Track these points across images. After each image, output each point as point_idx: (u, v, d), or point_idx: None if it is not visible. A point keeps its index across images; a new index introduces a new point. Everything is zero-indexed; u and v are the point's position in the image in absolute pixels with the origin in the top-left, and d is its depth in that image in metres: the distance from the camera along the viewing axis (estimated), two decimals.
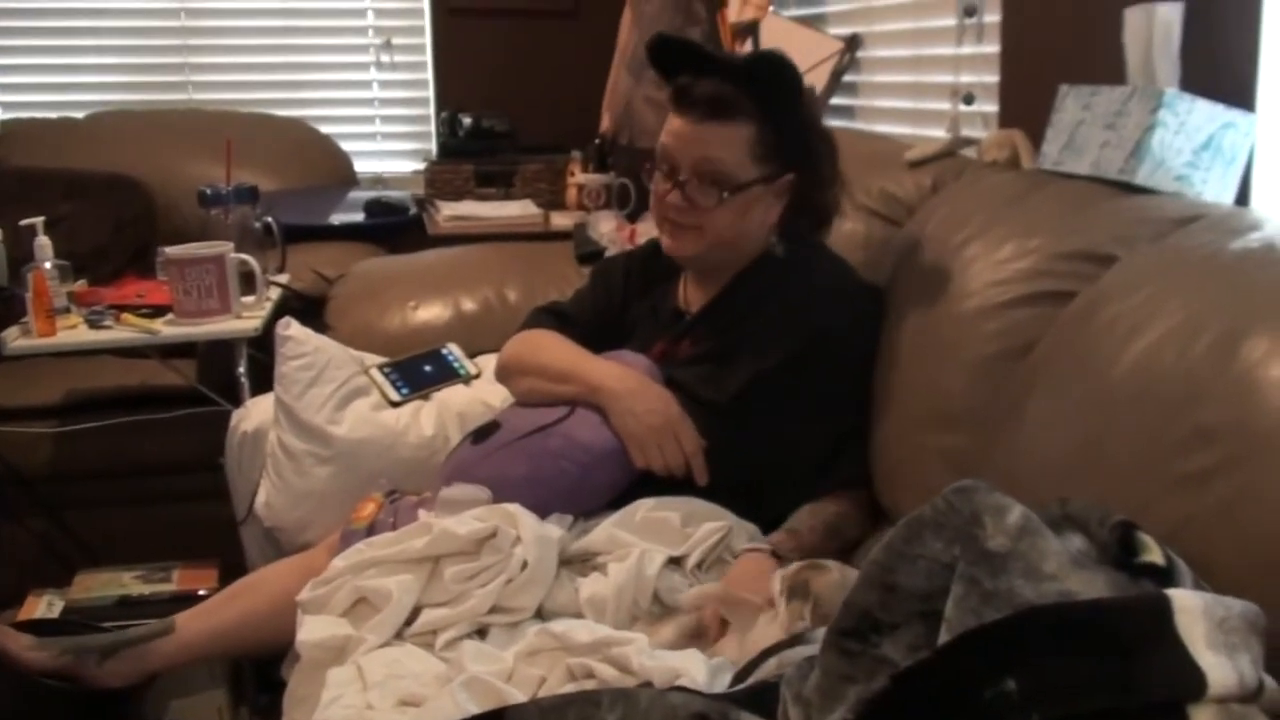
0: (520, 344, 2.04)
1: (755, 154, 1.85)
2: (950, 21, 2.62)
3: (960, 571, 0.96)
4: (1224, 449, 1.13)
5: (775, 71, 1.87)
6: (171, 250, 2.48)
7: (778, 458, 1.82)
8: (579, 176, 3.54)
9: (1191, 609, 0.92)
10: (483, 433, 1.89)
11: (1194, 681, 0.89)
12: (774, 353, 1.84)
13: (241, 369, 2.52)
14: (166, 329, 2.48)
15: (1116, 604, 0.95)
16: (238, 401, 2.47)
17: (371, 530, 1.86)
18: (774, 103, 1.85)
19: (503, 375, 2.05)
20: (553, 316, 2.08)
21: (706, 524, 1.70)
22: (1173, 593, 0.94)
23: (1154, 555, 1.01)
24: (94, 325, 2.50)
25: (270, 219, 2.80)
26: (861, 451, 1.84)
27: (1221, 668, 0.90)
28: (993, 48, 2.48)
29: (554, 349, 1.97)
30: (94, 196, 3.48)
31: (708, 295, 1.96)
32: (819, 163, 1.92)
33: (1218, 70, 1.83)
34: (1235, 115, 1.76)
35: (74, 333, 2.49)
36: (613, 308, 2.08)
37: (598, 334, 2.01)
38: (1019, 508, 0.99)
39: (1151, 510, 1.14)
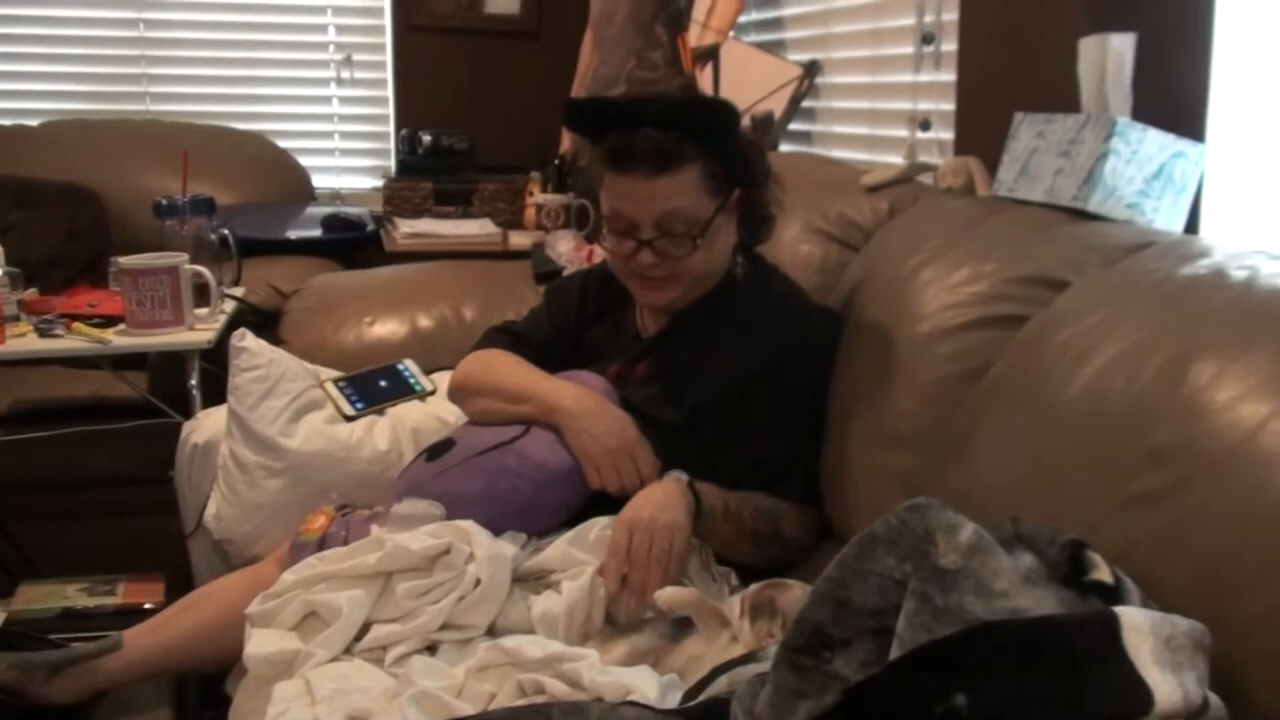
0: (474, 364, 2.03)
1: (708, 189, 1.84)
2: (908, 49, 2.65)
3: (912, 588, 0.97)
4: (1173, 470, 1.14)
5: (711, 109, 1.88)
6: (125, 260, 2.46)
7: (733, 478, 1.82)
8: (538, 196, 3.54)
9: (1139, 626, 0.94)
10: (437, 450, 1.88)
11: (1141, 698, 0.91)
12: (729, 373, 1.85)
13: (194, 381, 2.50)
14: (118, 339, 2.45)
15: (1065, 620, 0.96)
16: (189, 414, 2.45)
17: (322, 544, 1.85)
18: (714, 137, 1.84)
19: (457, 395, 2.04)
20: (507, 336, 2.07)
21: None
22: (1121, 610, 0.95)
23: (1103, 574, 1.03)
24: (44, 334, 2.47)
25: (226, 231, 2.78)
26: (814, 471, 1.85)
27: (1168, 685, 0.91)
28: (949, 76, 2.51)
29: (510, 369, 1.96)
30: (46, 205, 3.45)
31: (665, 318, 1.97)
32: (755, 170, 1.92)
33: (1169, 101, 1.86)
34: (1185, 145, 1.79)
35: (23, 341, 2.46)
36: (568, 328, 2.07)
37: (553, 354, 2.00)
38: (971, 525, 1.00)
39: (1102, 530, 1.15)
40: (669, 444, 1.81)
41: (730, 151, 1.87)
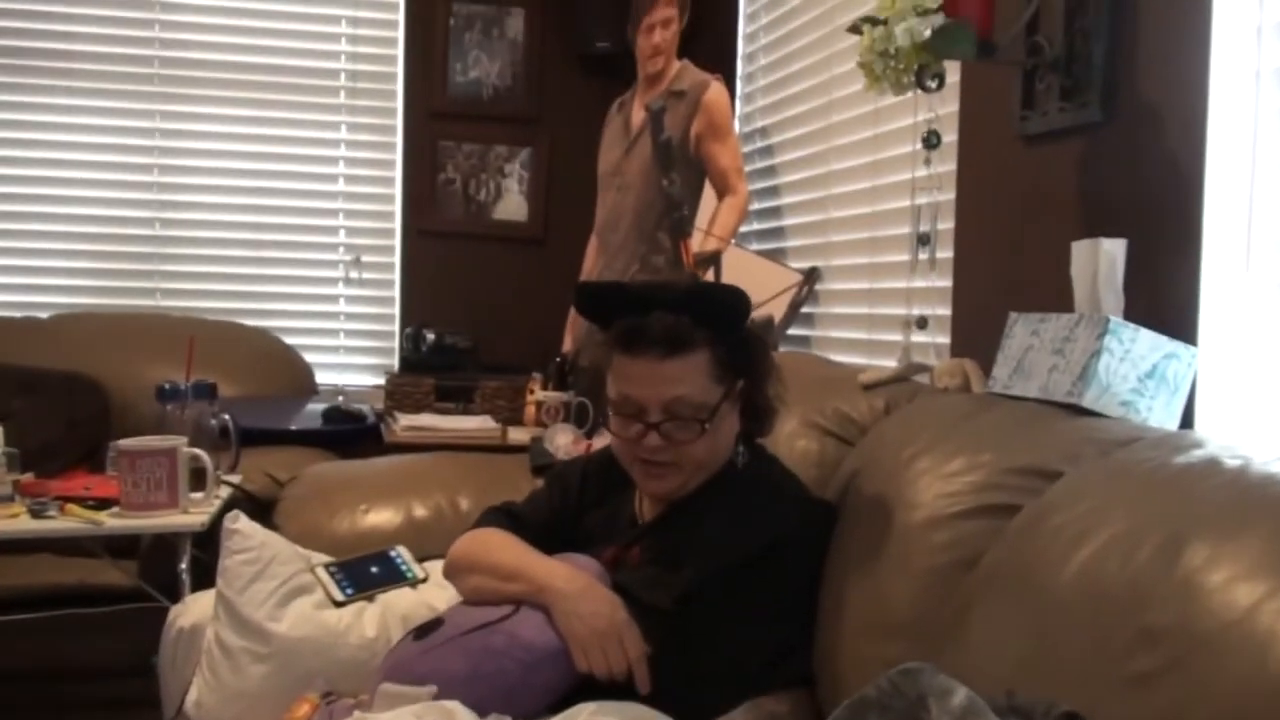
0: (470, 542, 2.01)
1: (714, 375, 1.86)
2: (904, 256, 2.71)
3: None
4: (1168, 651, 1.13)
5: (722, 295, 1.91)
6: (124, 441, 2.48)
7: (722, 664, 1.78)
8: (538, 394, 3.57)
9: None
10: (425, 629, 1.85)
11: None
12: (723, 560, 1.82)
13: (184, 565, 2.48)
14: (111, 521, 2.44)
15: None
16: (178, 600, 2.41)
17: None
18: (724, 324, 1.87)
19: (451, 572, 2.02)
20: (505, 516, 2.06)
21: None
22: None
23: None
24: (37, 515, 2.46)
25: (227, 417, 2.80)
26: (807, 656, 1.82)
27: None
28: (946, 282, 2.57)
29: (504, 547, 1.95)
30: (48, 394, 3.49)
31: (663, 504, 1.96)
32: (759, 362, 1.94)
33: (1160, 305, 1.90)
34: (1178, 347, 1.81)
35: (15, 521, 2.45)
36: (567, 511, 2.06)
37: (550, 537, 1.99)
38: (964, 690, 0.98)
39: (1099, 713, 1.13)
40: (661, 629, 1.78)
41: (737, 340, 1.89)
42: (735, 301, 1.88)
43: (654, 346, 1.83)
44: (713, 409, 1.85)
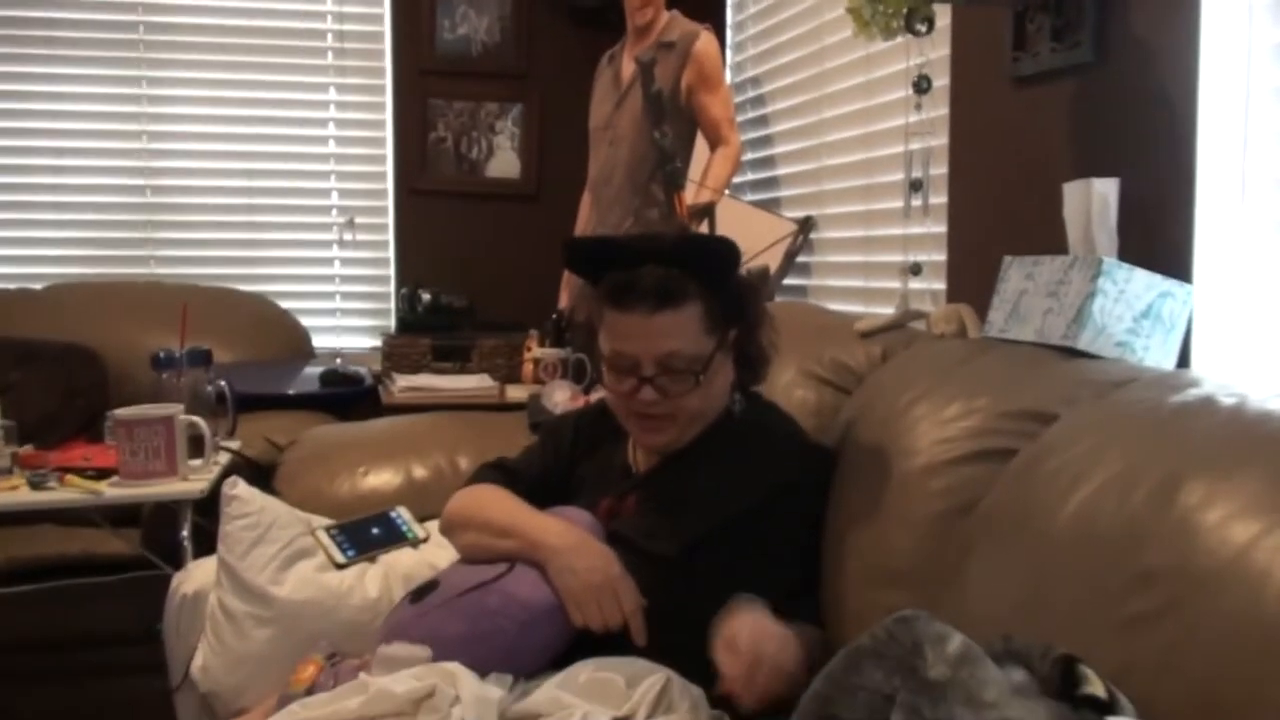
0: (465, 498, 2.01)
1: (706, 327, 1.85)
2: (899, 203, 2.70)
3: (900, 700, 0.94)
4: (1165, 591, 1.13)
5: (712, 246, 1.90)
6: (120, 411, 2.47)
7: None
8: (536, 351, 3.57)
9: None
10: (421, 592, 1.85)
11: None
12: (724, 507, 1.82)
13: (185, 532, 2.48)
14: (111, 490, 2.44)
15: None
16: (181, 567, 2.42)
17: (311, 694, 1.81)
18: (715, 275, 1.86)
19: (446, 529, 2.02)
20: (500, 472, 2.06)
21: (646, 679, 1.65)
22: None
23: (1096, 687, 1.00)
24: (36, 486, 2.45)
25: (223, 383, 2.80)
26: (813, 600, 1.82)
27: None
28: (940, 227, 2.55)
29: (497, 504, 1.94)
30: (46, 365, 3.48)
31: (658, 454, 1.95)
32: (751, 311, 1.93)
33: (1155, 244, 1.89)
34: (1173, 285, 1.80)
35: (15, 494, 2.45)
36: (561, 466, 2.06)
37: (545, 491, 1.98)
38: (959, 636, 0.98)
39: (1096, 655, 1.13)
40: (657, 577, 1.77)
41: (729, 291, 1.88)
42: (725, 251, 1.87)
43: (645, 300, 1.81)
44: (706, 360, 1.85)
